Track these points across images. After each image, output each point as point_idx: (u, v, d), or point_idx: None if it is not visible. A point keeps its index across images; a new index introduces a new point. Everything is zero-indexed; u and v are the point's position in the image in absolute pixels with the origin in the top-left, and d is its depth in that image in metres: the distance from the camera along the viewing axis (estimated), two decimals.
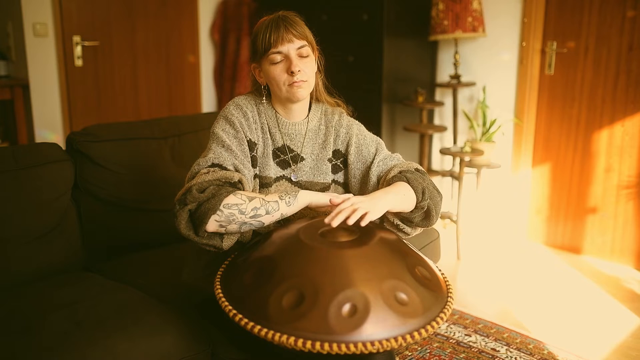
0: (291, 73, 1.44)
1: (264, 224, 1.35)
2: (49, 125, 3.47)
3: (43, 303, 1.53)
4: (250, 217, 1.32)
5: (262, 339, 1.13)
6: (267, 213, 1.33)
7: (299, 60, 1.46)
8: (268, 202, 1.34)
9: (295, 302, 1.14)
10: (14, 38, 3.44)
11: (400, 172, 1.49)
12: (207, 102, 4.25)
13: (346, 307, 1.12)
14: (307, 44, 1.48)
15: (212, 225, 1.30)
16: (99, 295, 1.59)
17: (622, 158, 3.02)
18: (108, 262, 1.97)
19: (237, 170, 1.42)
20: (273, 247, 1.29)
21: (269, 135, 1.55)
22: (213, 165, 1.39)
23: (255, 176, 1.51)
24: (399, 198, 1.39)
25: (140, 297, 1.60)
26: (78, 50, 3.51)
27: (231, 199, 1.30)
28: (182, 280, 1.67)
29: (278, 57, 1.45)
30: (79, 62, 3.53)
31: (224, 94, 4.19)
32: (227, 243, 1.37)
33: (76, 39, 3.49)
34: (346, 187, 1.62)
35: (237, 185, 1.36)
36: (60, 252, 1.83)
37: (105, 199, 1.98)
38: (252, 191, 1.49)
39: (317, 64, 1.57)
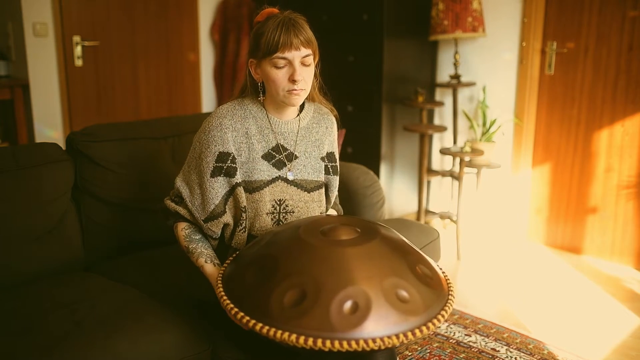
0: (293, 81, 1.43)
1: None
2: (49, 125, 3.47)
3: (43, 303, 1.53)
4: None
5: (264, 336, 1.13)
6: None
7: (302, 69, 1.45)
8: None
9: (297, 300, 1.14)
10: (14, 38, 3.44)
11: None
12: (207, 102, 4.25)
13: (348, 305, 1.12)
14: (312, 53, 1.46)
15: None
16: (99, 295, 1.59)
17: (622, 158, 3.02)
18: (108, 262, 1.97)
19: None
20: (274, 245, 1.29)
21: (260, 137, 1.53)
22: (177, 196, 1.56)
23: (237, 185, 1.49)
24: None
25: (140, 297, 1.60)
26: (78, 50, 3.51)
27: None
28: (182, 280, 1.67)
29: (281, 63, 1.43)
30: (79, 62, 3.53)
31: (224, 94, 4.19)
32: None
33: (76, 39, 3.49)
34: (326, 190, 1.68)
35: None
36: (60, 252, 1.83)
37: (105, 199, 1.98)
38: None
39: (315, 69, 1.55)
